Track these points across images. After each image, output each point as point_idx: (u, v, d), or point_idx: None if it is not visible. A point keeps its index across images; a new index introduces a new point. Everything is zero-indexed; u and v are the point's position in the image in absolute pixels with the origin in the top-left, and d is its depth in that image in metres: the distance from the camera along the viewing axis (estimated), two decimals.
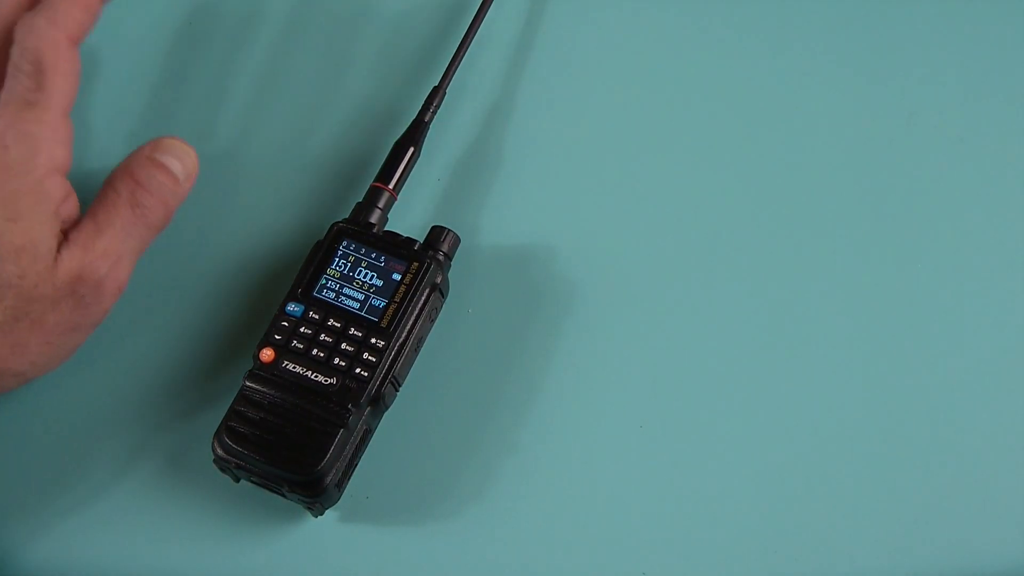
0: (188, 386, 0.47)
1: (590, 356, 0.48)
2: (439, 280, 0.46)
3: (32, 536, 0.45)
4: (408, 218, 0.50)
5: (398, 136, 0.49)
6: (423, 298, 0.45)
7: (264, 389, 0.43)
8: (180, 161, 0.45)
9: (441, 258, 0.46)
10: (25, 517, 0.45)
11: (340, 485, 0.44)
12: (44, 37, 0.43)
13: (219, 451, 0.43)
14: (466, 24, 0.52)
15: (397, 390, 0.45)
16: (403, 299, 0.45)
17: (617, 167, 0.52)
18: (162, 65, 0.53)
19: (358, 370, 0.43)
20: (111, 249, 0.43)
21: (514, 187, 0.51)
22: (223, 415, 0.43)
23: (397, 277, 0.45)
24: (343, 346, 0.44)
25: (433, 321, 0.47)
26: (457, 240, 0.47)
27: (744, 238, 0.51)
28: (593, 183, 0.52)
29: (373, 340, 0.44)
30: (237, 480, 0.44)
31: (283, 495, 0.43)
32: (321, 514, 0.44)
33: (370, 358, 0.44)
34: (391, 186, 0.48)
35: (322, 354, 0.44)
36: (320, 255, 0.46)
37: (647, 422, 0.47)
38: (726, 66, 0.54)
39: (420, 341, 0.46)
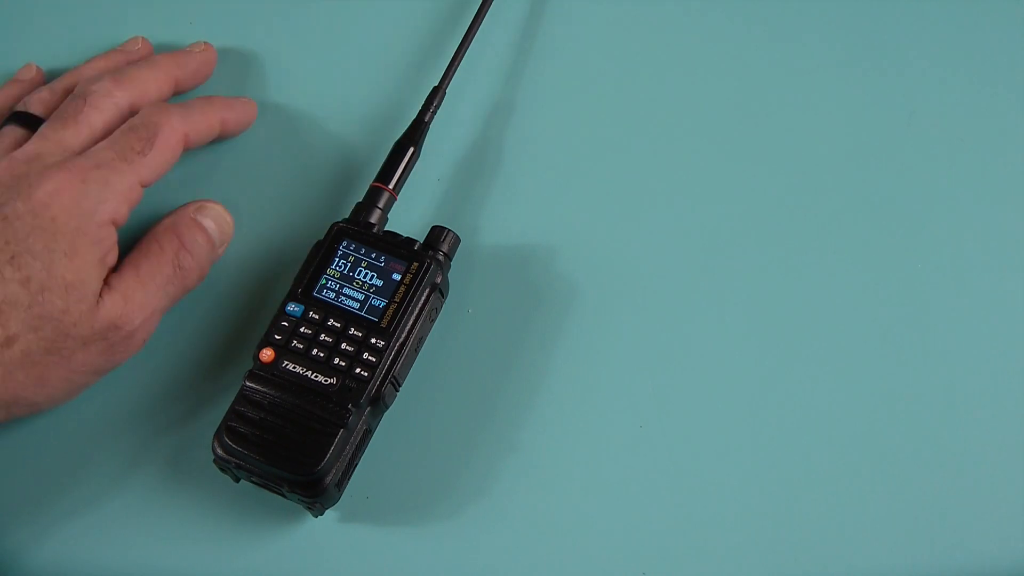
0: (188, 386, 0.47)
1: (590, 356, 0.48)
2: (439, 280, 0.46)
3: (35, 539, 0.45)
4: (408, 218, 0.50)
5: (398, 136, 0.49)
6: (423, 298, 0.45)
7: (264, 389, 0.43)
8: (219, 228, 0.47)
9: (441, 258, 0.46)
10: (28, 520, 0.45)
11: (340, 485, 0.44)
12: (170, 123, 0.46)
13: (219, 451, 0.43)
14: (466, 24, 0.52)
15: (397, 390, 0.45)
16: (403, 299, 0.45)
17: (617, 167, 0.52)
18: None
19: (358, 370, 0.43)
20: (148, 303, 0.44)
21: (514, 187, 0.51)
22: (223, 415, 0.43)
23: (397, 277, 0.45)
24: (343, 346, 0.44)
25: (433, 321, 0.47)
26: (457, 240, 0.47)
27: (744, 238, 0.51)
28: (593, 183, 0.52)
29: (373, 340, 0.44)
30: (237, 480, 0.44)
31: (283, 495, 0.44)
32: (321, 514, 0.44)
33: (370, 358, 0.44)
34: (391, 186, 0.48)
35: (322, 354, 0.44)
36: (320, 255, 0.46)
37: (647, 422, 0.47)
38: (727, 66, 0.54)
39: (420, 341, 0.46)
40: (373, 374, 0.43)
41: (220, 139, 0.50)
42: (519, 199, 0.51)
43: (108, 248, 0.44)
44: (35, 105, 0.48)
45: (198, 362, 0.47)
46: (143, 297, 0.44)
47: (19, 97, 0.49)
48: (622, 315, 0.49)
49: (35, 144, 0.45)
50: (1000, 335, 0.49)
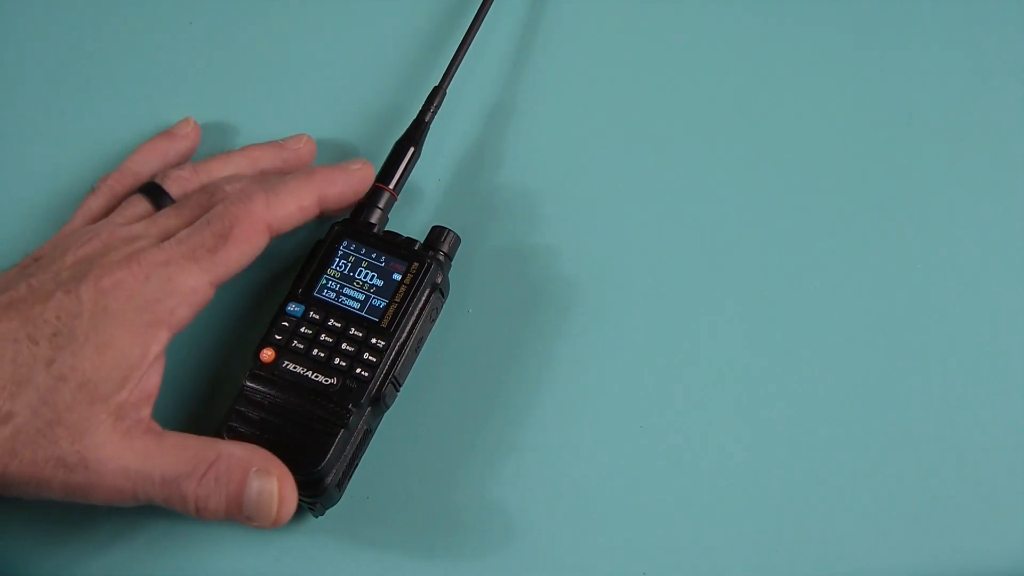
0: (188, 387, 0.47)
1: (590, 356, 0.48)
2: (439, 280, 0.46)
3: (36, 542, 0.45)
4: (409, 219, 0.50)
5: (398, 136, 0.49)
6: (424, 298, 0.45)
7: (264, 389, 0.43)
8: (260, 501, 0.41)
9: (441, 258, 0.46)
10: (27, 525, 0.45)
11: (340, 485, 0.44)
12: (251, 215, 0.43)
13: None
14: (466, 24, 0.52)
15: (398, 390, 0.45)
16: (403, 299, 0.45)
17: (617, 167, 0.52)
18: (163, 63, 0.54)
19: (359, 370, 0.43)
20: (132, 475, 0.40)
21: (514, 187, 0.51)
22: (223, 415, 0.43)
23: (397, 277, 0.45)
24: (343, 346, 0.44)
25: (433, 321, 0.47)
26: (457, 240, 0.47)
27: (744, 238, 0.51)
28: (593, 183, 0.52)
29: (374, 340, 0.44)
30: None
31: None
32: (322, 514, 0.44)
33: (370, 358, 0.43)
34: (391, 186, 0.48)
35: (322, 354, 0.44)
36: (320, 255, 0.46)
37: (647, 422, 0.47)
38: (726, 66, 0.54)
39: (420, 341, 0.46)
40: (373, 374, 0.43)
41: (323, 218, 0.47)
42: (519, 199, 0.51)
43: (151, 358, 0.41)
44: (171, 183, 0.46)
45: (198, 363, 0.47)
46: (133, 469, 0.40)
47: (164, 155, 0.48)
48: (622, 315, 0.49)
49: (144, 226, 0.43)
50: (1000, 335, 0.49)
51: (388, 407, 0.45)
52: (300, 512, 0.45)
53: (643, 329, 0.49)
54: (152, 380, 0.41)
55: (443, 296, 0.47)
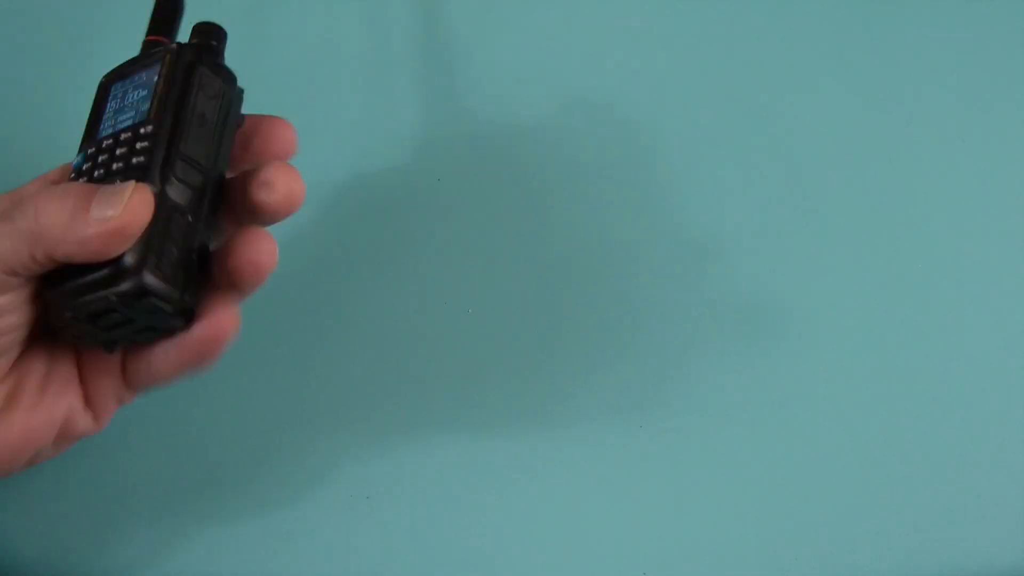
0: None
1: (590, 356, 0.48)
2: (195, 59, 0.42)
3: (31, 539, 0.45)
4: (409, 218, 0.50)
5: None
6: (181, 78, 0.42)
7: None
8: None
9: (194, 44, 0.43)
10: (26, 522, 0.45)
11: (173, 280, 0.39)
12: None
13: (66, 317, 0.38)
14: None
15: (200, 171, 0.41)
16: (162, 89, 0.41)
17: (617, 166, 0.52)
18: None
19: (135, 160, 0.39)
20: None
21: (514, 187, 0.51)
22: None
23: (156, 78, 0.42)
24: (118, 151, 0.40)
25: (219, 99, 0.43)
26: (212, 27, 0.44)
27: (744, 239, 0.51)
28: (594, 183, 0.52)
29: (142, 131, 0.40)
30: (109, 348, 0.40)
31: (140, 330, 0.39)
32: (183, 325, 0.39)
33: (143, 144, 0.40)
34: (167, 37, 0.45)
35: (101, 170, 0.40)
36: (92, 110, 0.43)
37: (647, 422, 0.47)
38: (727, 66, 0.54)
39: (203, 117, 0.42)
40: (151, 157, 0.39)
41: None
42: (519, 199, 0.51)
43: None
44: None
45: None
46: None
47: None
48: (622, 314, 0.49)
49: None
50: (1001, 335, 0.49)
51: (201, 190, 0.41)
52: (300, 512, 0.45)
53: (643, 328, 0.49)
54: None
55: (220, 75, 0.43)
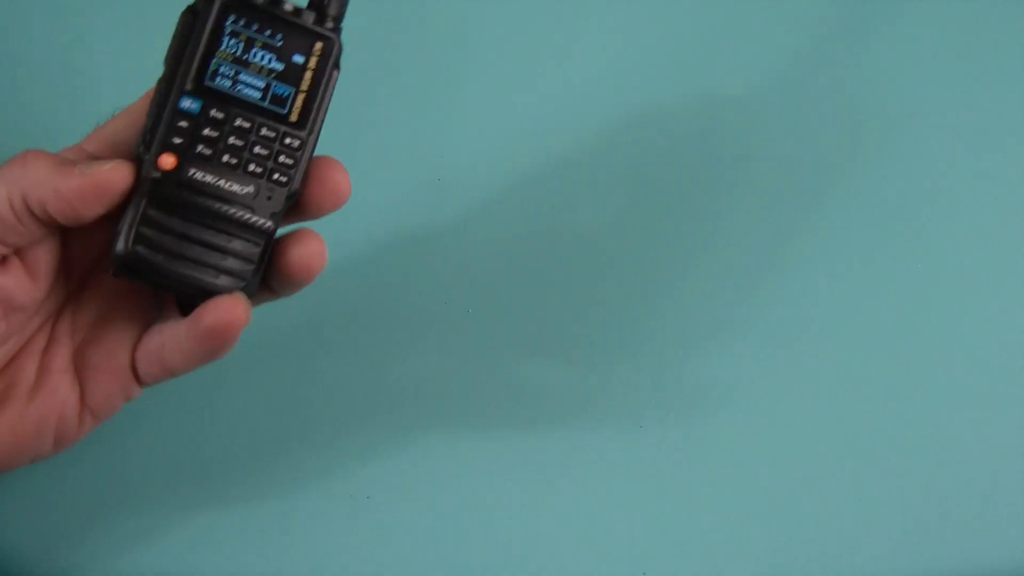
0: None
1: (589, 356, 0.48)
2: (338, 62, 0.39)
3: (35, 540, 0.45)
4: (410, 219, 0.50)
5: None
6: (332, 83, 0.39)
7: (172, 199, 0.37)
8: None
9: (339, 30, 0.39)
10: (31, 523, 0.45)
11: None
12: None
13: (128, 256, 0.37)
14: None
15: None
16: (312, 88, 0.38)
17: (616, 165, 0.52)
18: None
19: (276, 176, 0.38)
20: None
21: (514, 187, 0.51)
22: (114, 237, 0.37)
23: (300, 60, 0.38)
24: (256, 149, 0.38)
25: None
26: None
27: (744, 239, 0.51)
28: (593, 182, 0.52)
29: (288, 140, 0.38)
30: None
31: (201, 265, 0.38)
32: (231, 290, 0.38)
33: (287, 160, 0.38)
34: None
35: (234, 160, 0.38)
36: (207, 33, 0.37)
37: (647, 422, 0.47)
38: (726, 66, 0.54)
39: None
40: (292, 177, 0.38)
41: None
42: (519, 199, 0.51)
43: None
44: None
45: None
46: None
47: None
48: (621, 314, 0.49)
49: None
50: (1001, 336, 0.49)
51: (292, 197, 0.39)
52: (300, 512, 0.45)
53: (643, 327, 0.49)
54: None
55: (339, 69, 0.40)
